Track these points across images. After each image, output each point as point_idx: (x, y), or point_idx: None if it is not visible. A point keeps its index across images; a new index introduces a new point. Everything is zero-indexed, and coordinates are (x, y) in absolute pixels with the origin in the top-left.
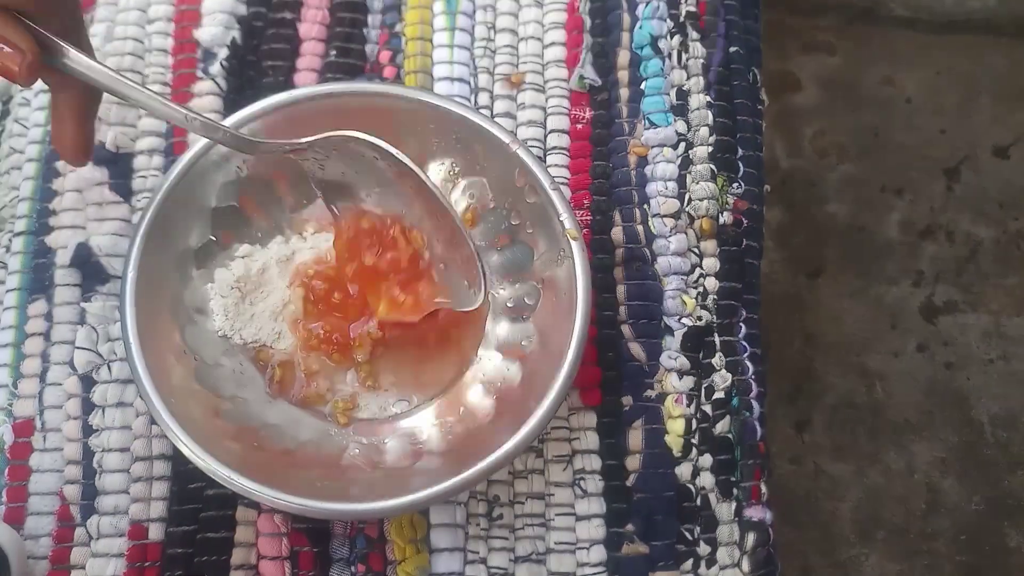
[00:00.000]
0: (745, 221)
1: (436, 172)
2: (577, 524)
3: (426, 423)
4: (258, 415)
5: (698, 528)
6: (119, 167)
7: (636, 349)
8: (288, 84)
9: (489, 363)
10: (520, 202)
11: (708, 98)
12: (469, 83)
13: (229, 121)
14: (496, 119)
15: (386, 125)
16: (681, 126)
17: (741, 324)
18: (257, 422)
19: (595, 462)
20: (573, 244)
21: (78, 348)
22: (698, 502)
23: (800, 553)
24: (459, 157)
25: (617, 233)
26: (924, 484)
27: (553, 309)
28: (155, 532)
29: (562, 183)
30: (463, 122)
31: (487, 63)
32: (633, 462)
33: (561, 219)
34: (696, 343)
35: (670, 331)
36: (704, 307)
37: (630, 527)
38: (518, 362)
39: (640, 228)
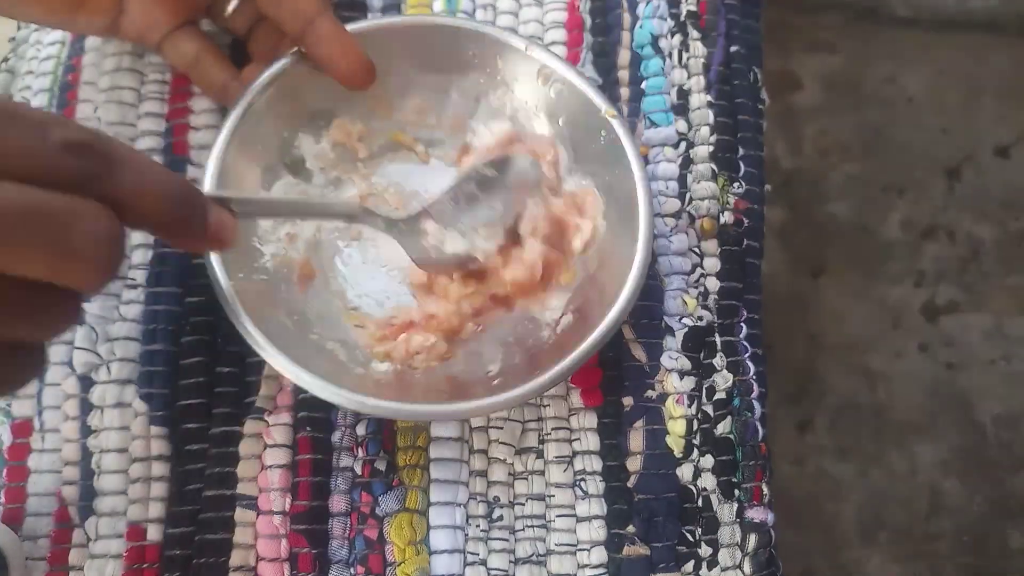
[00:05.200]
0: (746, 221)
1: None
2: (578, 526)
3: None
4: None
5: (699, 530)
6: None
7: (637, 349)
8: None
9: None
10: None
11: (709, 97)
12: None
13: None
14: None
15: (436, 46)
16: (682, 125)
17: (742, 324)
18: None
19: (596, 463)
20: (613, 122)
21: (77, 348)
22: (699, 503)
23: (802, 555)
24: (483, 72)
25: None
26: (927, 485)
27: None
28: (153, 533)
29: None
30: (478, 36)
31: None
32: (634, 463)
33: (595, 103)
34: (697, 343)
35: (671, 331)
36: (705, 307)
37: (631, 529)
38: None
39: None
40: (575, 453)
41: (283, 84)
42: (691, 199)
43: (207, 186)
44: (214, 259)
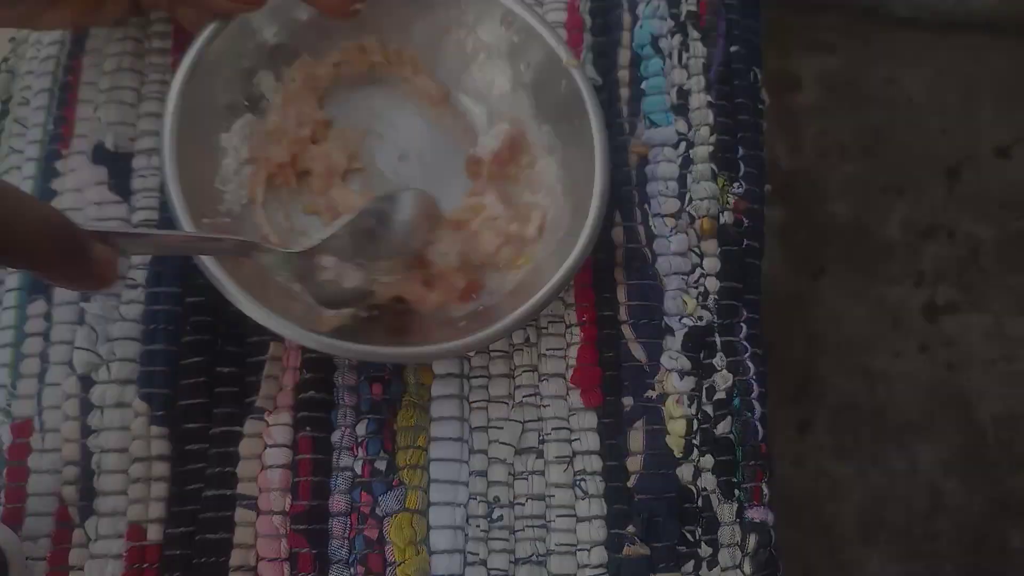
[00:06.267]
0: (746, 221)
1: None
2: (578, 526)
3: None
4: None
5: (699, 530)
6: (118, 167)
7: (637, 349)
8: None
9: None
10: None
11: (709, 97)
12: None
13: None
14: None
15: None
16: (682, 125)
17: (742, 324)
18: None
19: (596, 463)
20: (573, 72)
21: (77, 348)
22: (699, 503)
23: (802, 554)
24: (446, 12)
25: (617, 233)
26: (926, 485)
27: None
28: (153, 533)
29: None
30: None
31: None
32: (634, 463)
33: (556, 51)
34: (697, 343)
35: (671, 331)
36: (705, 307)
37: (631, 529)
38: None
39: (641, 228)
40: (575, 453)
41: (242, 20)
42: (691, 199)
43: (167, 129)
44: (177, 205)
